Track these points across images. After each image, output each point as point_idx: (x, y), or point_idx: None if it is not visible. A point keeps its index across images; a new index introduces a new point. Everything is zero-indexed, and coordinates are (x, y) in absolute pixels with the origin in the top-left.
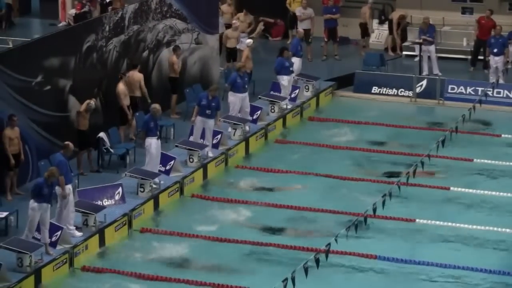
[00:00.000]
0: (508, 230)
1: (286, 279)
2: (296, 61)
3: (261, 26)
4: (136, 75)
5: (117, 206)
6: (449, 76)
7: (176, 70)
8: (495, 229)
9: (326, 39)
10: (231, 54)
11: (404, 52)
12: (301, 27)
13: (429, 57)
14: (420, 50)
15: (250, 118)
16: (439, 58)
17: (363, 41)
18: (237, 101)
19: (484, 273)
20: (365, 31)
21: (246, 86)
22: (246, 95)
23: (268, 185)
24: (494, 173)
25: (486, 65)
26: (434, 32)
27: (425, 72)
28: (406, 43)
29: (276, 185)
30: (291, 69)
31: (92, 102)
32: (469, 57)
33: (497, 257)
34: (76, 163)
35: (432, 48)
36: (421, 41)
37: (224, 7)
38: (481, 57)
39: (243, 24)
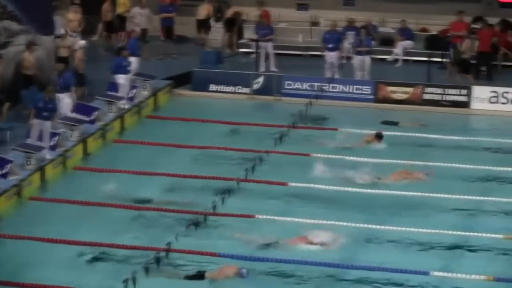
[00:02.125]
0: (344, 223)
1: (127, 279)
2: (134, 61)
3: (101, 26)
4: None
5: None
6: (286, 72)
7: (27, 66)
8: (329, 222)
9: (163, 38)
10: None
11: (241, 50)
12: (138, 26)
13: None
14: (257, 47)
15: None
16: (277, 54)
17: (203, 40)
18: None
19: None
20: (204, 28)
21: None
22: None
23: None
24: (331, 167)
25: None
26: (272, 29)
27: (262, 69)
28: (242, 40)
29: (118, 186)
30: (128, 68)
31: None
32: (305, 53)
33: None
34: None
35: (269, 45)
36: (257, 38)
37: (71, 15)
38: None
39: (74, 22)
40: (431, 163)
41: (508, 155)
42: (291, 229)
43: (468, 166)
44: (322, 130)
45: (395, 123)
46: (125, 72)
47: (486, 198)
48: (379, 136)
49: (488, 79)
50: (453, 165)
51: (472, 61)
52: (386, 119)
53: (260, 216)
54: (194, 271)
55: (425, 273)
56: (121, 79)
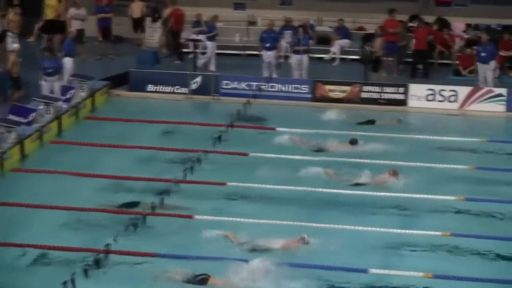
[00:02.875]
0: (284, 222)
1: (66, 281)
2: (69, 61)
3: (37, 27)
4: None
5: None
6: (224, 72)
7: None
8: (269, 221)
9: (100, 38)
10: None
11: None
12: (74, 27)
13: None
14: (195, 47)
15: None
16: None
17: (139, 40)
18: None
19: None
20: (140, 28)
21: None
22: None
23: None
24: (269, 165)
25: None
26: (214, 28)
27: (201, 63)
28: (180, 40)
29: (55, 188)
30: (51, 70)
31: None
32: (242, 52)
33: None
34: None
35: (210, 44)
36: (196, 37)
37: (11, 16)
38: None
39: (13, 23)
40: (368, 161)
41: (446, 152)
42: (231, 228)
43: (407, 163)
44: (260, 129)
45: (372, 122)
46: (50, 73)
47: (425, 195)
48: (353, 142)
49: (425, 77)
50: (392, 162)
51: (385, 58)
52: (361, 120)
53: (198, 217)
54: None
55: (364, 271)
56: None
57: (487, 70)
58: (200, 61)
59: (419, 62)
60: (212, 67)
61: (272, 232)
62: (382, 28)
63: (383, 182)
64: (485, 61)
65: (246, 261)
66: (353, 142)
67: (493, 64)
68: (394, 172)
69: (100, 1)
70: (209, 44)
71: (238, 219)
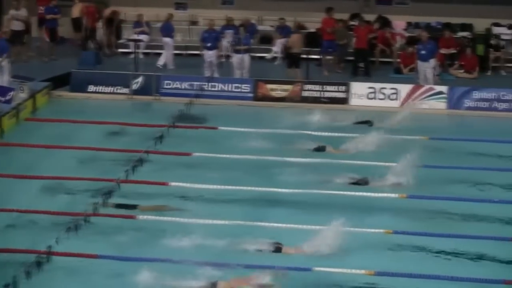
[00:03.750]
0: (226, 221)
1: (8, 284)
2: (5, 63)
3: None
4: None
5: None
6: (165, 72)
7: None
8: (211, 221)
9: (48, 39)
10: None
11: (120, 50)
12: (14, 27)
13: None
14: (135, 47)
15: None
16: (155, 54)
17: (78, 41)
18: None
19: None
20: (79, 27)
21: None
22: None
23: None
24: (212, 165)
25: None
26: (171, 26)
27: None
28: (121, 41)
29: None
30: None
31: None
32: (184, 52)
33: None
34: None
35: (170, 41)
36: (137, 38)
37: None
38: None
39: None
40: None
41: (388, 150)
42: (176, 228)
43: (347, 161)
44: (202, 129)
45: (370, 123)
46: None
47: (367, 193)
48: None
49: (366, 76)
50: (334, 161)
51: (324, 57)
52: (358, 120)
53: (141, 217)
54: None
55: (307, 269)
56: None
57: (427, 68)
58: (160, 61)
59: (360, 61)
60: (171, 65)
61: (216, 232)
62: (321, 27)
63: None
64: (425, 59)
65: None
66: (320, 149)
67: (433, 62)
68: None
69: (42, 2)
70: (169, 41)
71: (181, 219)
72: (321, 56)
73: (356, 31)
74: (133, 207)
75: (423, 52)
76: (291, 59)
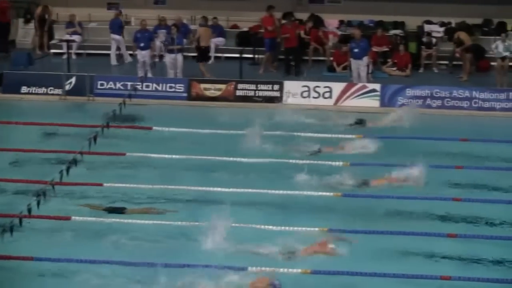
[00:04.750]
0: (162, 222)
1: None
2: None
3: None
4: None
5: None
6: (98, 72)
7: None
8: (151, 221)
9: None
10: None
11: (52, 50)
12: None
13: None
14: (68, 47)
15: None
16: (88, 55)
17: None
18: None
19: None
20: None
21: None
22: None
23: None
24: (147, 165)
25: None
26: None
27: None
28: (53, 41)
29: None
30: None
31: None
32: (117, 52)
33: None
34: None
35: (120, 38)
36: (69, 38)
37: None
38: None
39: None
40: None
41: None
42: (113, 229)
43: (273, 160)
44: (136, 129)
45: (363, 123)
46: None
47: (301, 192)
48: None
49: (297, 75)
50: (258, 160)
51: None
52: (351, 122)
53: (76, 218)
54: None
55: (243, 269)
56: None
57: (361, 65)
58: (113, 61)
59: (291, 60)
60: (128, 58)
61: (154, 232)
62: (260, 25)
63: None
64: (358, 56)
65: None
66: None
67: (366, 59)
68: None
69: None
70: (119, 38)
71: (116, 220)
72: (257, 55)
73: (285, 30)
74: (122, 209)
75: (356, 50)
76: (199, 52)
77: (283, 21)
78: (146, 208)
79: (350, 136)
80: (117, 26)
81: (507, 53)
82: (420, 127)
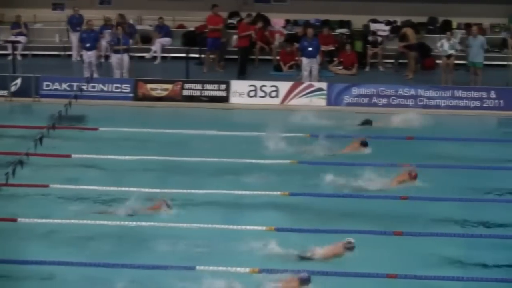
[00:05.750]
0: (108, 222)
1: None
2: None
3: None
4: None
5: None
6: (44, 73)
7: None
8: (97, 222)
9: None
10: None
11: None
12: None
13: None
14: (13, 48)
15: None
16: (33, 55)
17: None
18: None
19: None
20: None
21: None
22: None
23: None
24: (93, 167)
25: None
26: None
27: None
28: None
29: None
30: None
31: None
32: (63, 53)
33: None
34: None
35: (74, 36)
36: (15, 39)
37: None
38: None
39: None
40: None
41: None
42: (58, 231)
43: (233, 160)
44: (82, 130)
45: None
46: None
47: (249, 192)
48: (364, 144)
49: (243, 74)
50: (209, 159)
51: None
52: (361, 120)
53: (22, 220)
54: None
55: (191, 268)
56: None
57: (314, 64)
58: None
59: (240, 59)
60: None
61: (98, 233)
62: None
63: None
64: (312, 55)
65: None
66: (364, 144)
67: (318, 58)
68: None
69: None
70: (73, 36)
71: (62, 221)
72: (203, 55)
73: (244, 29)
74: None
75: (310, 48)
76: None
77: (230, 21)
78: (156, 205)
79: (296, 134)
80: (75, 23)
81: (452, 51)
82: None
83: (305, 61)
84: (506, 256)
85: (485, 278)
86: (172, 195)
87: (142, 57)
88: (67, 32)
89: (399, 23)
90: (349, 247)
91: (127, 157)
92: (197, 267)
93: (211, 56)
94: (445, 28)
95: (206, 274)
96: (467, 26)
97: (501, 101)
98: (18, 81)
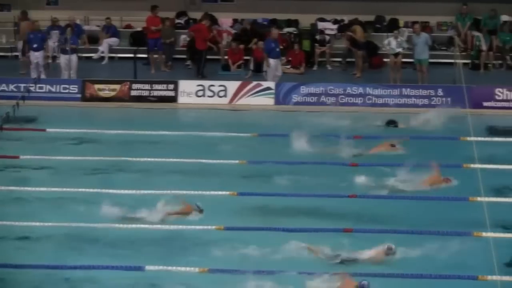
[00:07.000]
0: (63, 223)
1: None
2: None
3: None
4: None
5: None
6: None
7: None
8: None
9: None
10: None
11: None
12: None
13: None
14: None
15: None
16: None
17: None
18: None
19: None
20: None
21: None
22: None
23: None
24: (42, 168)
25: None
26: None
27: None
28: None
29: None
30: None
31: None
32: (9, 54)
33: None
34: None
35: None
36: None
37: None
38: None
39: None
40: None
41: (217, 147)
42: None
43: (180, 160)
44: (30, 131)
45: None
46: None
47: (199, 192)
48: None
49: (201, 75)
50: (162, 159)
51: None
52: (388, 120)
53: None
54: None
55: (140, 268)
56: None
57: (279, 64)
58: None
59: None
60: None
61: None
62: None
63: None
64: (278, 55)
65: None
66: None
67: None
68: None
69: None
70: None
71: (7, 222)
72: (148, 55)
73: (202, 30)
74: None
75: (278, 49)
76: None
77: (177, 21)
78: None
79: (244, 134)
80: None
81: (399, 49)
82: (316, 123)
83: (272, 61)
84: None
85: None
86: (120, 196)
87: (90, 57)
88: (14, 33)
89: (346, 22)
90: (390, 253)
91: (75, 158)
92: (146, 267)
93: (155, 56)
94: (392, 26)
95: (156, 274)
96: (414, 24)
97: (449, 99)
98: None
